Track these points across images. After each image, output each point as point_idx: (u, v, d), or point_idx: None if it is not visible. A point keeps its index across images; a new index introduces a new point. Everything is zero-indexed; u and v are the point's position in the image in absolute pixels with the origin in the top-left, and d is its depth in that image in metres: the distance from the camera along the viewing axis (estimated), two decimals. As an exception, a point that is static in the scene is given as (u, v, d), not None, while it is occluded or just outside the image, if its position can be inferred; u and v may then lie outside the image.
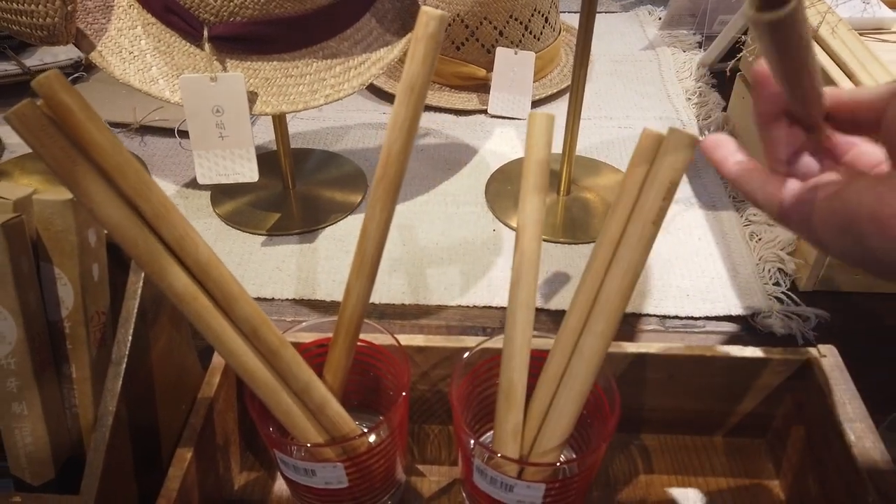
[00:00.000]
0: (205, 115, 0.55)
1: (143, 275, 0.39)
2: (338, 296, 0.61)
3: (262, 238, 0.68)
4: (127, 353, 0.37)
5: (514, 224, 0.70)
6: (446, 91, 0.92)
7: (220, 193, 0.74)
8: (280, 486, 0.45)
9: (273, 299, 0.62)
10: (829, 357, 0.43)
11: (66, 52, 0.94)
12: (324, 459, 0.37)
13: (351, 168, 0.78)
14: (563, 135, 0.69)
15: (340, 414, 0.39)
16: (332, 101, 0.58)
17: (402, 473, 0.44)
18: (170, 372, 0.42)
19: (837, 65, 0.59)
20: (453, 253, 0.67)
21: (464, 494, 0.43)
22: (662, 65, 1.00)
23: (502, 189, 0.75)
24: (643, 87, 0.96)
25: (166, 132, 0.84)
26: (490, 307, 0.61)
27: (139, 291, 0.38)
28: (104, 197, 0.33)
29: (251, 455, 0.47)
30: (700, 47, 1.05)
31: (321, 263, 0.66)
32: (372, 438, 0.39)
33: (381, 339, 0.43)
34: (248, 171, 0.58)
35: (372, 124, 0.87)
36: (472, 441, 0.37)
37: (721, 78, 0.93)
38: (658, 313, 0.60)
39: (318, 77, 0.58)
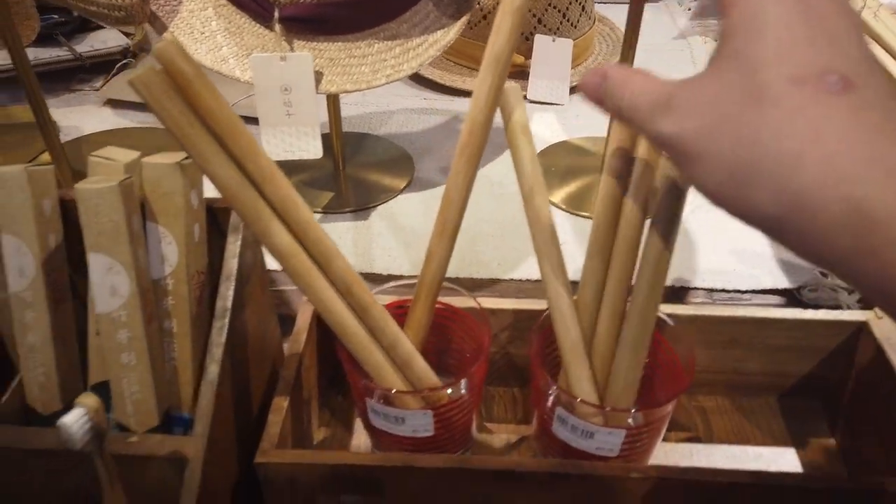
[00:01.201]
0: (273, 93, 0.57)
1: (240, 237, 0.41)
2: (394, 269, 0.64)
3: (318, 216, 0.71)
4: (230, 308, 0.39)
5: (560, 203, 0.72)
6: (485, 77, 0.94)
7: (273, 174, 0.76)
8: (356, 440, 0.48)
9: (332, 273, 0.64)
10: (884, 318, 0.45)
11: (115, 39, 0.96)
12: (414, 407, 0.39)
13: (397, 151, 0.81)
14: (608, 119, 0.72)
15: (425, 369, 0.41)
16: (392, 80, 0.60)
17: (475, 430, 0.46)
18: (257, 332, 0.45)
19: (882, 48, 0.61)
20: (503, 230, 0.69)
21: (536, 449, 0.45)
22: (694, 53, 1.02)
23: (545, 171, 0.77)
24: (677, 76, 0.98)
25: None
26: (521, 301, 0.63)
27: (238, 252, 0.41)
28: (217, 158, 0.35)
29: (327, 412, 0.50)
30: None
31: (375, 240, 0.68)
32: (453, 391, 0.41)
33: (459, 301, 0.45)
34: (313, 149, 0.60)
35: (414, 109, 0.90)
36: (556, 387, 0.39)
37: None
38: (705, 286, 0.62)
39: (379, 58, 0.60)
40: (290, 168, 0.76)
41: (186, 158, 0.39)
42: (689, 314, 0.47)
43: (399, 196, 0.74)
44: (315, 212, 0.71)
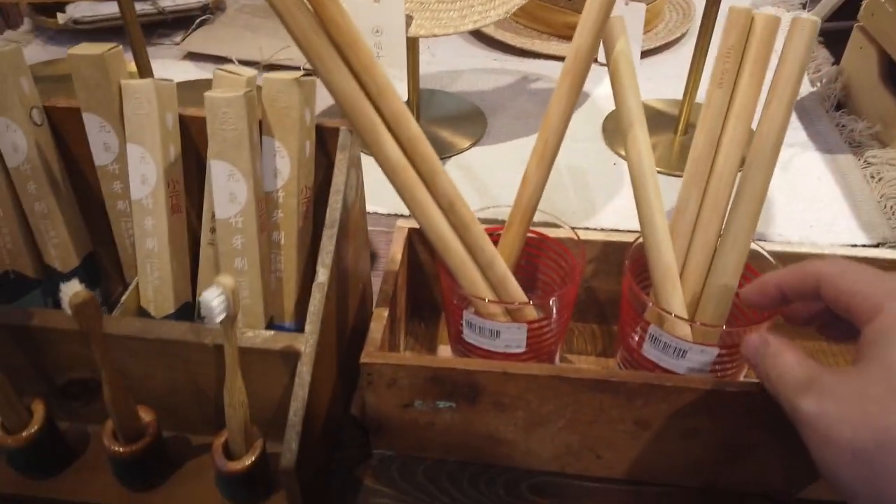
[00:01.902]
0: (366, 35, 0.59)
1: (347, 155, 0.43)
2: (470, 215, 0.65)
3: (393, 163, 0.72)
4: (338, 218, 0.41)
5: (633, 159, 0.73)
6: (555, 41, 0.94)
7: (349, 124, 0.78)
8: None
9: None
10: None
11: (196, -5, 0.99)
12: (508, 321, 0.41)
13: (468, 106, 0.82)
14: (685, 80, 0.73)
15: (517, 289, 0.43)
16: (478, 26, 0.61)
17: (557, 360, 0.48)
18: (354, 253, 0.47)
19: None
20: (576, 182, 0.70)
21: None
22: (767, 22, 1.01)
23: (619, 128, 0.77)
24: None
25: (292, 70, 0.89)
26: (617, 230, 0.64)
27: (346, 168, 0.42)
28: (338, 68, 0.37)
29: (411, 338, 0.52)
30: (804, 7, 1.05)
31: (450, 188, 0.70)
32: (545, 308, 0.42)
33: (551, 232, 0.46)
34: (400, 91, 0.61)
35: (484, 69, 0.91)
36: (650, 304, 0.40)
37: (829, 37, 0.93)
38: (783, 241, 0.62)
39: (467, 3, 0.61)
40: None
41: (304, 75, 0.41)
42: (777, 251, 0.47)
43: (473, 149, 0.75)
44: (391, 160, 0.73)
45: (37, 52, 0.93)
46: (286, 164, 0.42)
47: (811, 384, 0.26)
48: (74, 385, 0.42)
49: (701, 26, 0.70)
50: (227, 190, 0.40)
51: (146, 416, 0.40)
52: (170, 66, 0.91)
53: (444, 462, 0.44)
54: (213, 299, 0.32)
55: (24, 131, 0.43)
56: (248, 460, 0.38)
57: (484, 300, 0.41)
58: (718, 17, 0.71)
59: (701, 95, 0.74)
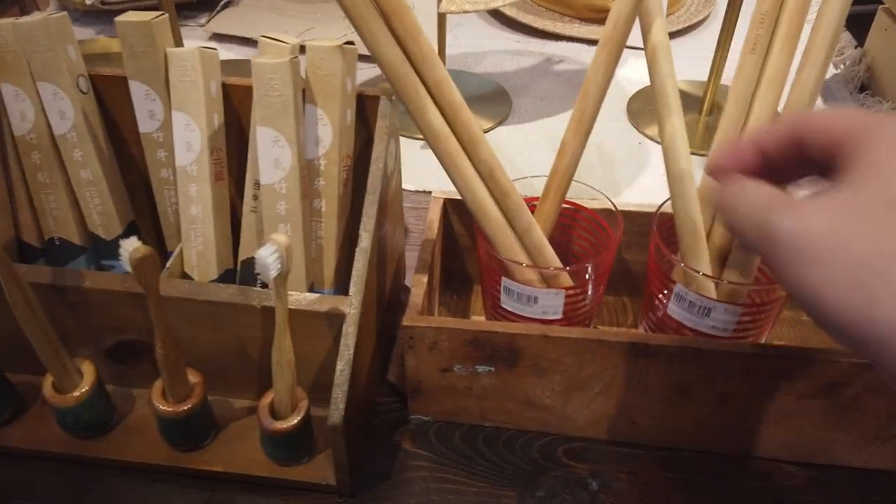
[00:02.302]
0: (397, 10, 0.60)
1: (388, 122, 0.44)
2: (498, 192, 0.66)
3: (420, 143, 0.73)
4: (380, 185, 0.42)
5: (659, 138, 0.73)
6: (576, 23, 0.94)
7: (375, 104, 0.79)
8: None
9: (437, 192, 0.67)
10: None
11: (220, -23, 1.00)
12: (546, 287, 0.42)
13: (493, 86, 0.82)
14: (707, 63, 0.73)
15: (554, 257, 0.43)
16: (508, 3, 0.61)
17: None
18: (390, 223, 0.47)
19: None
20: (603, 161, 0.70)
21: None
22: (789, 6, 1.01)
23: (644, 108, 0.78)
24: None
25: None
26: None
27: (387, 136, 0.43)
28: (383, 35, 0.38)
29: (445, 297, 0.53)
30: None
31: (477, 166, 0.70)
32: (581, 274, 0.43)
33: (588, 203, 0.47)
34: None
35: (507, 51, 0.91)
36: (677, 263, 0.41)
37: (853, 21, 0.93)
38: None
39: (497, -20, 0.62)
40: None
41: (346, 43, 0.41)
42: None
43: (499, 128, 0.76)
44: (418, 139, 0.73)
45: (63, 33, 0.94)
46: (328, 132, 0.43)
47: (789, 202, 0.23)
48: (122, 347, 0.43)
49: (728, 5, 0.70)
50: (272, 156, 0.41)
51: (193, 377, 0.41)
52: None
53: (481, 427, 0.45)
54: (268, 256, 0.33)
55: (70, 99, 0.43)
56: (294, 420, 0.39)
57: (521, 265, 0.41)
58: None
59: (726, 77, 0.74)
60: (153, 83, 0.43)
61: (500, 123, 0.76)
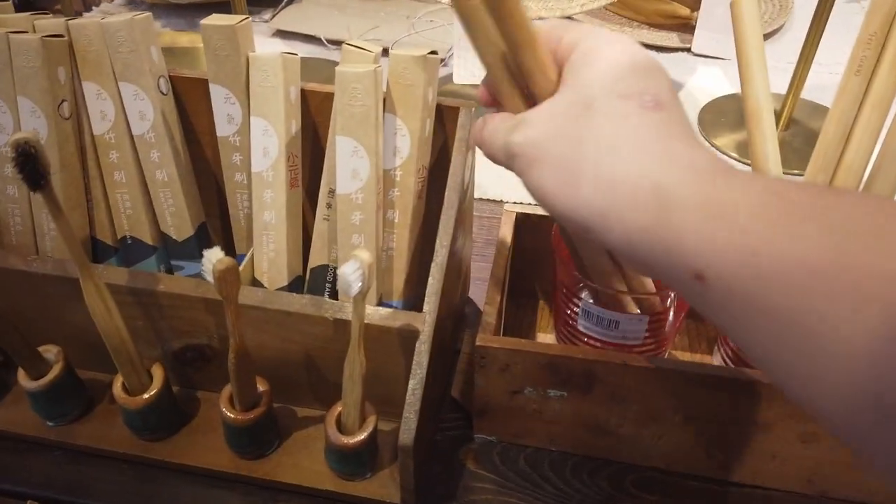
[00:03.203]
0: (471, 15, 0.58)
1: (467, 134, 0.43)
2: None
3: (483, 148, 0.72)
4: (457, 200, 0.41)
5: (732, 153, 0.71)
6: (645, 29, 0.92)
7: (438, 107, 0.78)
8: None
9: (501, 201, 0.66)
10: None
11: (285, -26, 1.00)
12: (630, 312, 0.40)
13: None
14: (782, 77, 0.70)
15: (644, 282, 0.42)
16: (587, 9, 0.60)
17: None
18: (462, 236, 0.46)
19: None
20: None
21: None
22: (870, 17, 0.96)
23: (716, 120, 0.75)
24: (850, 37, 0.93)
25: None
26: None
27: (466, 149, 0.42)
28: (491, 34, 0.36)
29: (511, 311, 0.52)
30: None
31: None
32: (667, 301, 0.41)
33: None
34: (501, 74, 0.61)
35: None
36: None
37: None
38: None
39: (574, -13, 0.60)
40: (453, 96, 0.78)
41: (430, 53, 0.40)
42: None
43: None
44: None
45: (131, 25, 0.95)
46: (406, 143, 0.42)
47: (518, 121, 0.28)
48: (190, 351, 0.43)
49: (814, 16, 0.67)
50: (351, 166, 0.40)
51: (261, 385, 0.41)
52: (259, 43, 0.92)
53: (547, 451, 0.44)
54: (350, 273, 0.32)
55: (150, 100, 0.43)
56: (362, 435, 0.38)
57: (613, 290, 0.40)
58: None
59: (807, 89, 0.71)
60: (234, 87, 0.43)
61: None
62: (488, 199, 0.65)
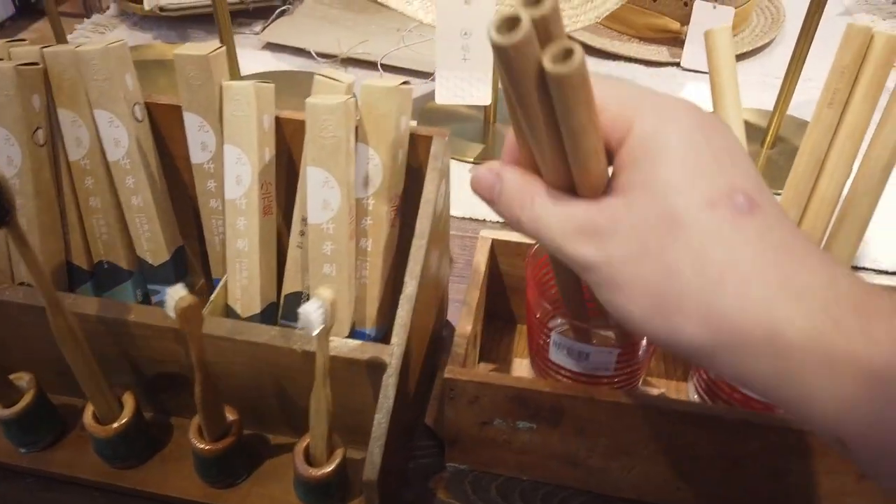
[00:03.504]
0: (453, 37, 0.59)
1: (439, 164, 0.43)
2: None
3: (469, 165, 0.72)
4: (428, 230, 0.41)
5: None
6: (635, 42, 0.92)
7: (425, 121, 0.78)
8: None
9: (484, 220, 0.66)
10: None
11: (276, -14, 1.00)
12: (602, 343, 0.40)
13: (546, 109, 0.81)
14: (771, 92, 0.70)
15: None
16: (568, 31, 0.59)
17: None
18: (436, 262, 0.46)
19: None
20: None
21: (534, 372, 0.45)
22: (862, 31, 0.96)
23: (703, 139, 0.75)
24: (841, 53, 0.93)
25: (370, 65, 0.89)
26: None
27: (438, 177, 0.42)
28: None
29: (488, 336, 0.52)
30: (902, 14, 1.00)
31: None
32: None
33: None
34: (484, 95, 0.61)
35: (562, 70, 0.89)
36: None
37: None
38: (875, 268, 0.59)
39: (557, 8, 0.60)
40: (442, 118, 0.78)
41: (402, 83, 0.40)
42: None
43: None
44: (466, 161, 0.72)
45: (121, 37, 0.95)
46: (378, 172, 0.42)
47: (583, 228, 0.24)
48: (163, 378, 0.43)
49: (799, 35, 0.67)
50: (321, 196, 0.40)
51: (231, 415, 0.41)
52: (249, 56, 0.93)
53: (518, 480, 0.44)
54: (312, 311, 0.32)
55: (125, 127, 0.43)
56: (329, 468, 0.38)
57: (582, 323, 0.40)
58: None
59: (794, 106, 0.71)
60: (207, 115, 0.43)
61: (551, 149, 0.74)
62: (470, 219, 0.65)
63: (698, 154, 0.22)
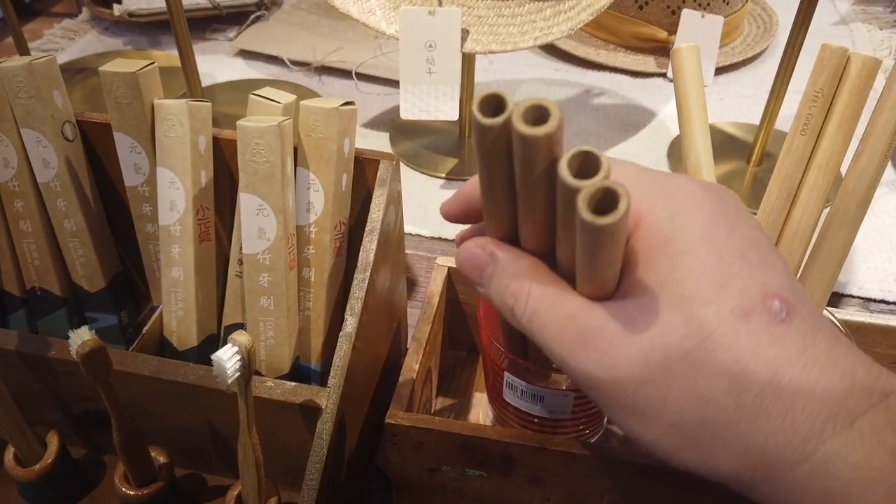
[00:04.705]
0: (417, 49, 0.56)
1: (386, 191, 0.40)
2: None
3: (441, 181, 0.69)
4: (372, 262, 0.38)
5: (699, 190, 0.68)
6: (622, 52, 0.89)
7: (398, 134, 0.75)
8: (474, 414, 0.46)
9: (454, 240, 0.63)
10: None
11: (252, -9, 0.98)
12: (556, 387, 0.37)
13: (525, 121, 0.78)
14: (763, 106, 0.67)
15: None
16: (539, 43, 0.57)
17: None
18: (389, 290, 0.44)
19: None
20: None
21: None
22: (857, 42, 0.93)
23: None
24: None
25: (344, 73, 0.86)
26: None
27: (383, 205, 0.39)
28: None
29: (449, 365, 0.49)
30: (898, 22, 0.97)
31: (499, 210, 0.66)
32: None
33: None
34: (450, 110, 0.58)
35: (545, 80, 0.86)
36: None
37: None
38: (862, 295, 0.56)
39: (528, 18, 0.57)
40: (414, 131, 0.75)
41: (344, 104, 0.38)
42: (853, 320, 0.42)
43: (525, 168, 0.71)
44: (438, 177, 0.69)
45: (91, 42, 0.93)
46: (320, 198, 0.39)
47: (586, 335, 0.21)
48: (92, 415, 0.41)
49: (786, 47, 0.64)
50: (256, 225, 0.37)
51: (160, 457, 0.38)
52: (222, 63, 0.90)
53: (472, 526, 0.41)
54: (226, 359, 0.29)
55: (54, 147, 0.41)
56: (261, 518, 0.36)
57: (529, 366, 0.37)
58: (806, 38, 0.65)
59: (780, 121, 0.68)
60: (138, 136, 0.40)
61: (528, 163, 0.71)
62: (440, 238, 0.62)
63: (722, 251, 0.20)
